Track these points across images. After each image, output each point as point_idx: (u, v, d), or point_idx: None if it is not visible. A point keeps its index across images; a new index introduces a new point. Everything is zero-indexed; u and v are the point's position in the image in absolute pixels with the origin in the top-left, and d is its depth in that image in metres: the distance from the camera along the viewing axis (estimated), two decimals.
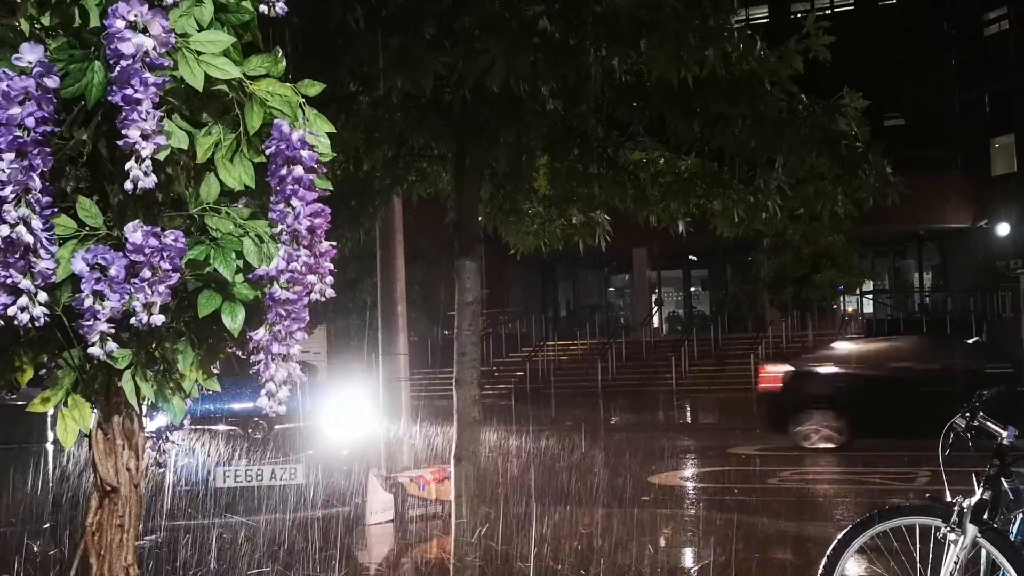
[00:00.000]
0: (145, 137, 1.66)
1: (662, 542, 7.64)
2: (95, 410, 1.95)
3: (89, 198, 1.80)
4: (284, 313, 1.82)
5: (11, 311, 1.66)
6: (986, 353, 15.83)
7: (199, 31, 1.79)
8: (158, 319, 1.73)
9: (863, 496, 10.21)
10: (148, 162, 1.67)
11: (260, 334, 1.83)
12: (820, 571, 4.25)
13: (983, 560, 4.00)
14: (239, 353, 1.99)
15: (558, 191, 8.53)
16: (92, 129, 1.76)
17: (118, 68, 1.64)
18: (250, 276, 1.83)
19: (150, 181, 1.68)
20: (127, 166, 1.68)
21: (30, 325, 1.67)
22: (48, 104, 1.64)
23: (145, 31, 1.65)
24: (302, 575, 5.85)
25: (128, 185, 1.68)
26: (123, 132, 1.66)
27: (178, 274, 1.74)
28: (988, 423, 4.08)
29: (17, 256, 1.64)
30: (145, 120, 1.65)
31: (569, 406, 23.83)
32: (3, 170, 1.60)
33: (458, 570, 6.24)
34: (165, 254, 1.71)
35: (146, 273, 1.71)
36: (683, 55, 5.97)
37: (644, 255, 34.52)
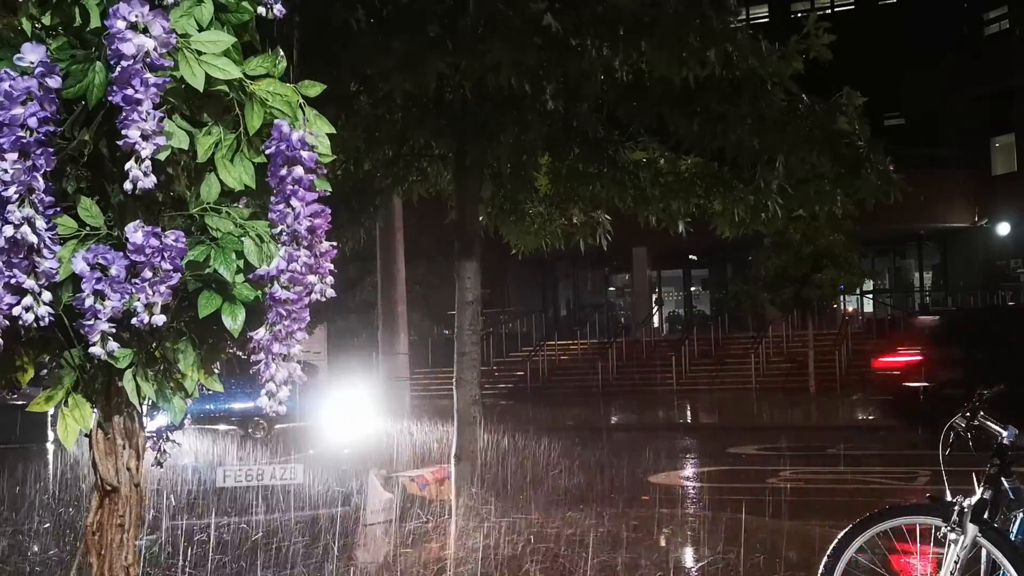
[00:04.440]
0: (145, 137, 1.66)
1: (662, 542, 7.64)
2: (95, 410, 1.95)
3: (90, 198, 1.80)
4: (284, 313, 1.82)
5: (16, 311, 1.66)
6: None
7: (199, 31, 1.79)
8: (159, 319, 1.73)
9: (863, 495, 10.20)
10: (148, 162, 1.68)
11: (260, 334, 1.84)
12: (820, 571, 4.25)
13: (983, 560, 4.00)
14: (240, 353, 1.99)
15: (559, 191, 8.53)
16: (93, 129, 1.77)
17: (119, 68, 1.65)
18: (250, 276, 1.83)
19: (149, 181, 1.69)
20: (127, 166, 1.68)
21: (34, 325, 1.67)
22: (50, 104, 1.64)
23: (146, 31, 1.66)
24: (302, 575, 5.85)
25: (127, 185, 1.68)
26: (123, 132, 1.66)
27: (179, 274, 1.74)
28: (988, 422, 4.08)
29: (21, 256, 1.65)
30: (145, 120, 1.66)
31: (569, 405, 23.83)
32: (7, 170, 1.60)
33: (458, 570, 6.24)
34: (166, 254, 1.71)
35: (147, 273, 1.71)
36: (684, 55, 5.97)
37: (644, 255, 34.52)
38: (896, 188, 7.86)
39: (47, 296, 1.68)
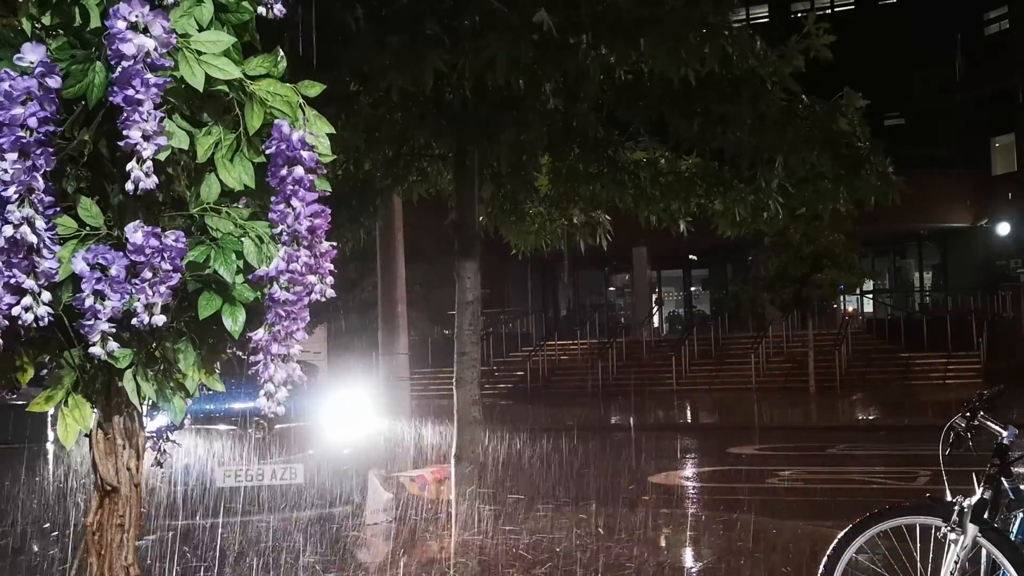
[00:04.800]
0: (146, 138, 1.66)
1: (662, 542, 7.64)
2: (95, 410, 1.95)
3: (90, 198, 1.80)
4: (284, 313, 1.82)
5: (15, 311, 1.66)
6: None
7: (199, 31, 1.79)
8: (159, 319, 1.73)
9: (863, 495, 10.21)
10: (149, 163, 1.67)
11: (260, 334, 1.83)
12: (820, 571, 4.25)
13: (983, 560, 4.00)
14: (240, 353, 1.99)
15: (559, 190, 8.53)
16: (93, 129, 1.76)
17: (119, 69, 1.64)
18: (250, 276, 1.83)
19: (151, 182, 1.68)
20: (128, 167, 1.68)
21: (33, 325, 1.67)
22: (50, 104, 1.64)
23: (146, 32, 1.66)
24: (303, 575, 5.85)
25: (129, 186, 1.68)
26: (124, 133, 1.66)
27: (179, 274, 1.74)
28: (988, 422, 4.08)
29: (21, 256, 1.64)
30: (146, 121, 1.65)
31: (569, 405, 23.83)
32: (6, 170, 1.60)
33: (458, 570, 6.24)
34: (166, 254, 1.71)
35: (147, 273, 1.71)
36: (683, 53, 5.96)
37: (644, 255, 34.52)
38: (895, 190, 7.86)
39: (46, 296, 1.68)
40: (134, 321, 1.72)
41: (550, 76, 6.63)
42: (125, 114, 1.65)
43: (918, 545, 4.19)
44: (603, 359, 30.54)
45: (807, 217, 8.81)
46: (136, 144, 1.66)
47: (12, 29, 1.76)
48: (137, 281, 1.71)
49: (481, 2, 5.96)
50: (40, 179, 1.63)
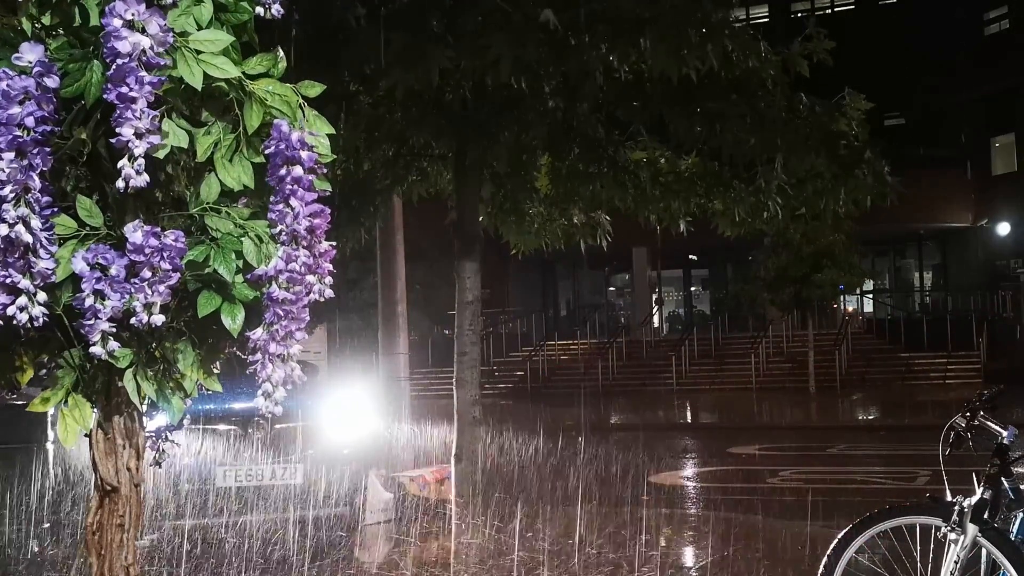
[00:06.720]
0: (139, 136, 1.66)
1: (662, 542, 7.63)
2: (95, 410, 1.95)
3: (89, 197, 1.79)
4: (282, 313, 1.82)
5: (10, 311, 1.65)
6: None
7: (198, 30, 1.79)
8: (158, 319, 1.73)
9: (863, 495, 10.20)
10: (141, 161, 1.67)
11: (258, 334, 1.83)
12: (820, 571, 4.24)
13: (983, 560, 4.00)
14: (239, 353, 1.98)
15: (559, 190, 8.53)
16: (91, 128, 1.76)
17: (114, 66, 1.64)
18: (249, 276, 1.83)
19: (142, 180, 1.68)
20: (119, 164, 1.68)
21: (29, 325, 1.67)
22: (48, 103, 1.64)
23: (143, 30, 1.65)
24: (302, 575, 5.84)
25: (120, 183, 1.68)
26: (117, 130, 1.66)
27: (178, 274, 1.74)
28: (988, 422, 4.08)
29: (16, 256, 1.64)
30: (139, 119, 1.65)
31: (569, 405, 23.81)
32: (3, 169, 1.60)
33: (458, 570, 6.24)
34: (165, 254, 1.71)
35: (146, 273, 1.70)
36: (684, 51, 5.96)
37: (644, 255, 34.51)
38: (891, 190, 7.86)
39: (42, 296, 1.67)
40: (133, 320, 1.72)
41: (552, 75, 6.63)
42: (118, 111, 1.65)
43: (918, 545, 4.19)
44: (603, 359, 30.53)
45: (807, 217, 8.81)
46: (128, 141, 1.65)
47: (12, 29, 1.76)
48: (136, 280, 1.71)
49: (484, 1, 5.96)
50: (36, 178, 1.63)
